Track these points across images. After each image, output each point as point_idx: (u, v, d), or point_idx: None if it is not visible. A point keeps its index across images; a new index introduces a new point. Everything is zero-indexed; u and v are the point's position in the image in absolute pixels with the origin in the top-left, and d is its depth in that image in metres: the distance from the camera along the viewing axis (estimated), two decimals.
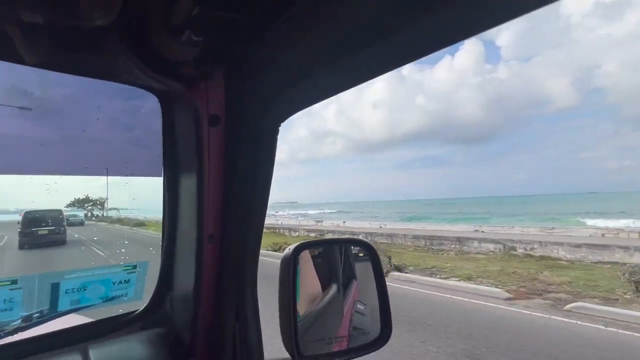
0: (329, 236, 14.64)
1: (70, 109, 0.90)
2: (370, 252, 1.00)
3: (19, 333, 0.84)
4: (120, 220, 17.03)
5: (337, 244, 1.11)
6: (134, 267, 0.98)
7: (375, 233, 15.80)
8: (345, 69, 0.63)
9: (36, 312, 0.85)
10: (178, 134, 0.87)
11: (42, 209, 7.56)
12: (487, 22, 0.44)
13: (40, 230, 7.13)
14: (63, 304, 0.88)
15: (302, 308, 1.00)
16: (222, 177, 0.84)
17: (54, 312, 0.87)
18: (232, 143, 0.82)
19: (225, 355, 0.94)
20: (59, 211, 8.01)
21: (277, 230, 19.92)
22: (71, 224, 11.84)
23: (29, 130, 0.88)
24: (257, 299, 0.92)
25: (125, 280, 0.97)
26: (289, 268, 0.92)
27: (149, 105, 0.94)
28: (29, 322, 0.84)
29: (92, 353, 0.84)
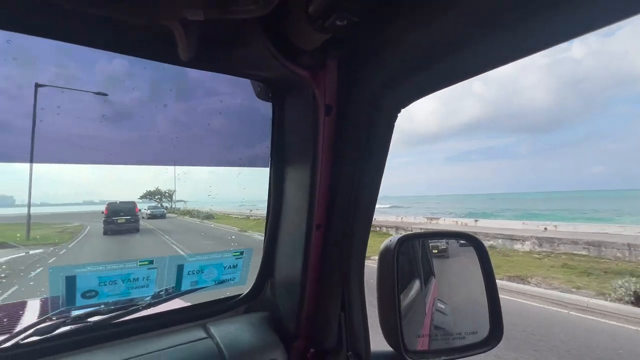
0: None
1: (177, 101, 0.96)
2: (478, 248, 0.94)
3: (151, 308, 0.94)
4: (189, 212, 17.28)
5: (443, 237, 1.06)
6: (241, 253, 1.03)
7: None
8: (467, 58, 0.61)
9: (164, 290, 0.94)
10: (291, 124, 0.89)
11: (120, 201, 8.74)
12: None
13: (119, 219, 8.14)
14: (185, 284, 0.96)
15: None
16: (332, 166, 0.84)
17: (177, 291, 0.96)
18: (344, 132, 0.82)
19: (329, 342, 0.95)
20: (133, 203, 9.06)
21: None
22: (153, 216, 12.41)
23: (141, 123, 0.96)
24: (363, 289, 0.92)
25: (233, 265, 1.03)
26: (392, 261, 0.90)
27: (252, 98, 0.98)
28: (159, 298, 0.93)
29: (212, 330, 0.91)
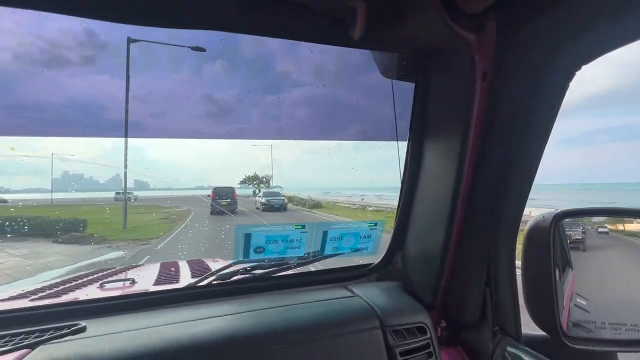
0: None
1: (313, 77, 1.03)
2: None
3: (299, 267, 1.08)
4: (290, 199, 14.51)
5: (610, 214, 0.95)
6: (375, 224, 1.10)
7: None
8: None
9: (310, 253, 1.06)
10: (439, 93, 0.90)
11: (222, 185, 10.14)
12: None
13: (222, 202, 9.46)
14: (327, 249, 1.07)
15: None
16: (483, 136, 0.82)
17: (321, 255, 1.07)
18: (500, 100, 0.79)
19: (468, 316, 0.95)
20: (232, 188, 10.41)
21: None
22: (270, 208, 10.22)
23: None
24: (514, 265, 0.88)
25: (367, 235, 1.10)
26: (548, 238, 0.84)
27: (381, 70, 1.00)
28: (306, 260, 1.06)
29: (355, 290, 1.00)
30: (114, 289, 1.18)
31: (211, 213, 9.68)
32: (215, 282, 1.02)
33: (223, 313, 0.83)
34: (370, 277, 1.14)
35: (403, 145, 1.31)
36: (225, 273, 1.04)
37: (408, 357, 0.82)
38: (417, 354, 0.83)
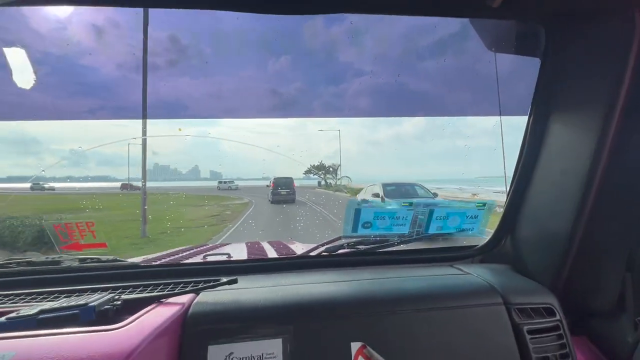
0: None
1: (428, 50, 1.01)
2: None
3: (402, 245, 1.10)
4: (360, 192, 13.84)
5: None
6: (484, 204, 1.06)
7: None
8: None
9: (415, 231, 1.08)
10: (575, 65, 0.83)
11: (282, 176, 10.49)
12: None
13: (282, 191, 9.89)
14: (432, 228, 1.07)
15: None
16: (629, 107, 0.73)
17: (425, 233, 1.08)
18: None
19: (602, 304, 0.87)
20: (291, 179, 10.68)
21: None
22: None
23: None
24: None
25: (474, 216, 1.07)
26: None
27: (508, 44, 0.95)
28: (410, 237, 1.08)
29: (465, 269, 0.99)
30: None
31: (272, 202, 10.07)
32: (323, 253, 1.10)
33: (331, 280, 0.90)
34: (475, 259, 1.11)
35: (505, 121, 1.23)
36: (333, 246, 1.11)
37: (536, 336, 0.79)
38: (547, 335, 0.80)
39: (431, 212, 1.05)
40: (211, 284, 0.80)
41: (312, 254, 1.12)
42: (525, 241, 1.01)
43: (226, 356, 0.67)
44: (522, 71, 1.00)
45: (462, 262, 1.09)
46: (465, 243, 1.14)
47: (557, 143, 0.89)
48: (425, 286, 0.87)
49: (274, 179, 10.35)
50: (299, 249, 1.56)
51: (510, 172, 1.02)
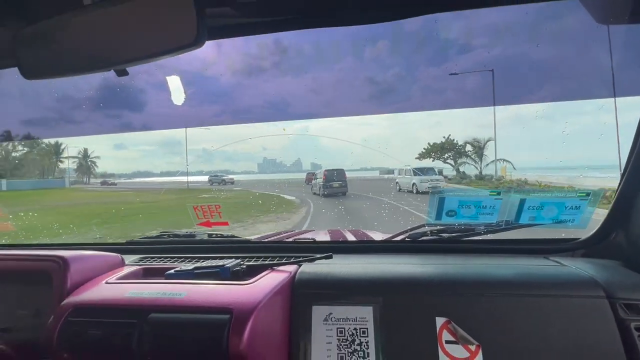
0: None
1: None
2: None
3: (490, 234, 1.08)
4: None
5: None
6: (587, 194, 0.98)
7: None
8: None
9: (504, 221, 1.05)
10: None
11: (333, 168, 9.67)
12: None
13: (334, 184, 9.30)
14: (523, 217, 1.03)
15: None
16: None
17: (515, 224, 1.05)
18: None
19: None
20: (343, 170, 9.72)
21: None
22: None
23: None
24: None
25: (575, 207, 0.99)
26: None
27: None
28: (498, 227, 1.06)
29: (562, 262, 0.93)
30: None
31: (324, 195, 9.35)
32: (406, 239, 1.16)
33: (416, 262, 0.96)
34: (575, 253, 1.03)
35: (620, 102, 1.11)
36: (416, 233, 1.16)
37: None
38: None
39: (522, 202, 1.01)
40: (310, 257, 0.96)
41: (395, 239, 1.19)
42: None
43: (326, 315, 0.80)
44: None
45: (559, 254, 1.03)
46: (563, 235, 1.06)
47: None
48: (516, 273, 0.85)
49: (325, 170, 9.63)
50: (378, 236, 1.64)
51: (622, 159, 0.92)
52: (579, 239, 1.04)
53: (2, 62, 0.97)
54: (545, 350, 0.73)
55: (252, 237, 1.34)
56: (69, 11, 0.66)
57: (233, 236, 1.26)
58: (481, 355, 0.74)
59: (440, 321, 0.77)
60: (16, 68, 0.72)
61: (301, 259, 0.96)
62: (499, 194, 1.02)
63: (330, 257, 0.95)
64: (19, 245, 1.33)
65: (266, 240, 1.32)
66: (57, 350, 0.75)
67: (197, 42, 0.56)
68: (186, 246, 1.24)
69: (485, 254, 1.06)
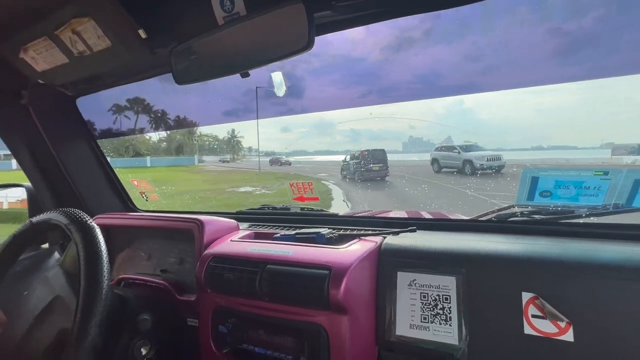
0: None
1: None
2: None
3: (593, 217, 1.00)
4: None
5: None
6: None
7: None
8: None
9: (613, 203, 0.96)
10: None
11: (373, 148, 8.31)
12: None
13: (374, 167, 8.05)
14: (637, 201, 0.93)
15: None
16: None
17: (627, 207, 0.95)
18: None
19: None
20: (383, 150, 8.47)
21: None
22: None
23: None
24: None
25: None
26: None
27: None
28: (604, 210, 0.97)
29: None
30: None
31: (361, 180, 8.05)
32: (493, 219, 1.15)
33: (503, 241, 0.95)
34: None
35: None
36: (504, 213, 1.14)
37: None
38: None
39: (637, 183, 0.91)
40: (395, 230, 1.05)
41: (481, 219, 1.20)
42: None
43: (411, 281, 0.90)
44: None
45: None
46: None
47: None
48: (620, 257, 0.79)
49: (363, 151, 8.33)
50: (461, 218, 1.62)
51: None
52: None
53: (162, 70, 1.28)
54: None
55: (339, 213, 1.49)
56: (207, 30, 0.86)
57: (322, 210, 1.43)
58: (572, 333, 0.74)
59: (526, 296, 0.79)
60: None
61: (386, 230, 1.07)
62: (606, 173, 0.94)
63: (414, 230, 1.03)
64: (163, 211, 1.75)
65: (352, 215, 1.46)
66: (204, 285, 1.02)
67: (308, 45, 0.68)
68: (283, 217, 1.46)
69: (585, 238, 0.99)
